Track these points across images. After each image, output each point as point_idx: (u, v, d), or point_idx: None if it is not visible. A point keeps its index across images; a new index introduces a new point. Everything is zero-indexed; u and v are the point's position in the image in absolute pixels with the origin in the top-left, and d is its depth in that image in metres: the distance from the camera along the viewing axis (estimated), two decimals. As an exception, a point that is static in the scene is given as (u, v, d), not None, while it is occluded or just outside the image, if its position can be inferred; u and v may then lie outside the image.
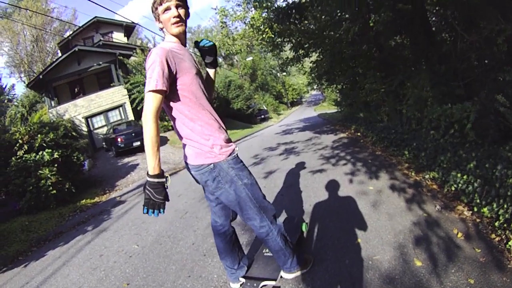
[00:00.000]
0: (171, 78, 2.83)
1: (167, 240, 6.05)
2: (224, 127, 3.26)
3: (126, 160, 20.29)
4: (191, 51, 3.34)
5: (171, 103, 2.95)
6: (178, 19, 3.01)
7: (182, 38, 3.19)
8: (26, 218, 10.51)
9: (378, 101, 13.55)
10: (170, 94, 2.87)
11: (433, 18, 11.74)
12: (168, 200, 2.77)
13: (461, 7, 9.01)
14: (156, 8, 3.02)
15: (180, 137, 3.12)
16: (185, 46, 3.24)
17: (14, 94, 47.16)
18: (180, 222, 6.92)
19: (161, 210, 2.75)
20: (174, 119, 3.06)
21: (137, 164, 18.51)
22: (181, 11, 3.04)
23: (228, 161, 3.09)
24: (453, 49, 9.34)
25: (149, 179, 2.72)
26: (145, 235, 6.67)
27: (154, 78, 2.69)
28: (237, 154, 3.21)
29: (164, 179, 2.76)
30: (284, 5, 17.09)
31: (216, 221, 3.71)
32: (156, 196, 2.70)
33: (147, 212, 2.73)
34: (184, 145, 3.13)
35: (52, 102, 29.07)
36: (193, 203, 8.12)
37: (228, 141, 3.19)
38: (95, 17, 36.38)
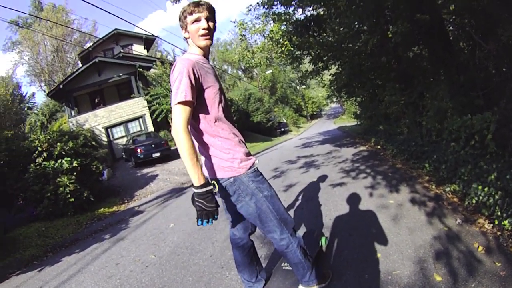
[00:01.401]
0: (197, 90, 2.81)
1: (184, 251, 6.03)
2: (244, 141, 3.25)
3: (145, 170, 20.35)
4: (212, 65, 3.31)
5: (193, 117, 2.90)
6: (207, 31, 3.00)
7: (206, 51, 3.17)
8: (43, 224, 10.58)
9: (397, 113, 13.48)
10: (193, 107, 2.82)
11: (450, 27, 11.68)
12: (219, 206, 2.76)
13: (478, 15, 8.97)
14: (185, 17, 3.01)
15: (200, 151, 3.08)
16: (208, 59, 3.21)
17: (34, 103, 48.18)
18: (199, 233, 6.89)
19: (215, 217, 2.73)
20: (194, 133, 3.04)
21: (156, 175, 18.51)
22: (210, 24, 3.03)
23: (248, 174, 3.05)
24: (471, 59, 9.28)
25: (196, 190, 2.68)
26: (163, 246, 6.64)
27: (182, 90, 2.66)
28: (257, 167, 3.18)
29: (211, 187, 2.73)
30: (302, 17, 17.16)
31: (234, 234, 3.68)
32: (208, 205, 2.67)
33: (202, 223, 2.70)
34: (204, 159, 3.11)
35: (72, 112, 29.55)
36: (212, 215, 8.05)
37: (248, 154, 3.16)
38: (115, 29, 36.96)
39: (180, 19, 3.08)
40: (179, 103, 2.65)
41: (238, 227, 3.62)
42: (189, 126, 2.69)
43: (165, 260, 5.77)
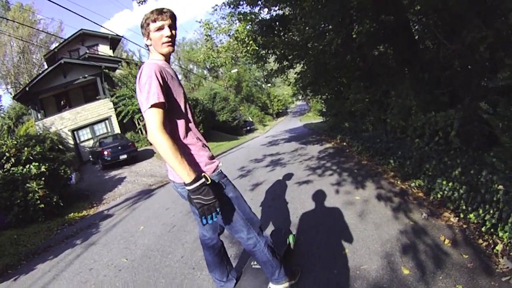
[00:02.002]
0: (168, 93, 2.84)
1: (156, 253, 6.03)
2: (207, 145, 3.29)
3: (113, 173, 20.23)
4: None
5: None
6: (170, 39, 3.04)
7: (168, 58, 3.22)
8: (14, 231, 10.38)
9: (362, 111, 13.58)
10: None
11: (416, 26, 11.80)
12: (216, 199, 2.73)
13: (443, 15, 9.08)
14: (148, 24, 3.02)
15: None
16: (169, 65, 3.24)
17: (1, 106, 47.21)
18: (168, 235, 6.90)
19: (217, 210, 2.72)
20: None
21: (124, 177, 18.44)
22: (173, 32, 3.06)
23: (212, 177, 3.06)
24: (436, 57, 9.41)
25: (189, 187, 2.67)
26: (134, 249, 6.64)
27: (154, 92, 2.68)
28: (221, 170, 3.23)
29: (203, 179, 2.71)
30: (268, 17, 17.21)
31: (204, 235, 3.71)
32: (206, 198, 2.67)
33: (207, 221, 2.71)
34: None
35: (39, 115, 29.17)
36: (180, 217, 8.10)
37: (211, 158, 3.20)
38: (81, 29, 36.45)
39: (142, 26, 3.11)
40: (152, 106, 2.66)
41: (207, 228, 3.64)
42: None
43: (137, 264, 5.78)
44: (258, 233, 3.37)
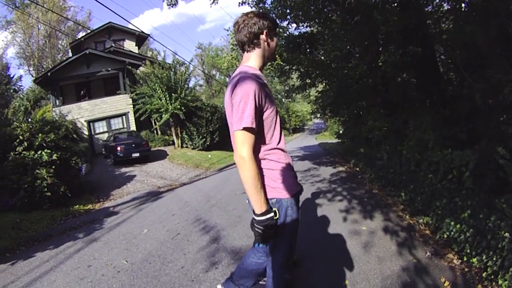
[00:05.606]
0: (259, 114, 2.70)
1: (156, 260, 6.02)
2: (292, 165, 3.07)
3: (124, 170, 20.38)
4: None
5: None
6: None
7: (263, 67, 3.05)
8: (18, 215, 10.44)
9: (379, 139, 13.52)
10: None
11: (442, 57, 11.67)
12: (277, 231, 2.73)
13: (471, 51, 9.00)
14: (268, 31, 2.88)
15: None
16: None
17: (21, 86, 47.81)
18: (171, 243, 6.87)
19: (272, 239, 2.76)
20: None
21: (134, 176, 18.55)
22: None
23: (290, 199, 2.88)
24: (458, 92, 9.34)
25: (257, 218, 2.62)
26: (135, 252, 6.62)
27: (248, 114, 2.55)
28: (299, 197, 3.11)
29: (272, 214, 2.65)
30: (296, 33, 17.19)
31: (261, 260, 3.61)
32: (268, 232, 2.63)
33: (259, 245, 2.80)
34: None
35: (57, 101, 29.55)
36: (185, 225, 8.10)
37: (296, 179, 3.07)
38: (109, 22, 36.90)
39: (259, 28, 2.84)
40: (244, 128, 2.56)
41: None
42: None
43: (136, 267, 5.75)
44: (284, 264, 3.21)
